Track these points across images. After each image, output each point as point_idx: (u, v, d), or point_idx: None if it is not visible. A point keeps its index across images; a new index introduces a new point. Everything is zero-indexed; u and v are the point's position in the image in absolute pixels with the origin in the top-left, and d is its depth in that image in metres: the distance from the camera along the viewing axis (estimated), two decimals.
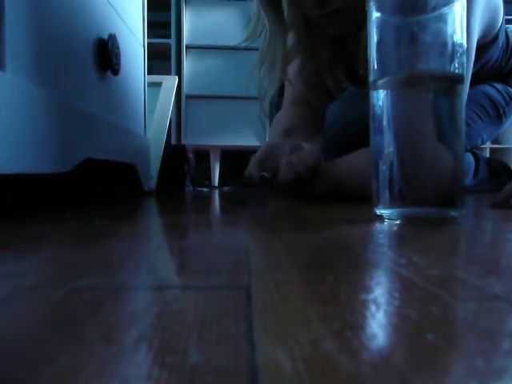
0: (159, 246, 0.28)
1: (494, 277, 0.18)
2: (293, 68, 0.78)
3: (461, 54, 0.36)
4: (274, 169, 0.58)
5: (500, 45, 0.86)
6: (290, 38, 0.73)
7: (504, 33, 0.87)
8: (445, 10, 0.35)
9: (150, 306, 0.15)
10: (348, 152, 0.65)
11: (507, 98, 0.94)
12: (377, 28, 0.37)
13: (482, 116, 0.91)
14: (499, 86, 0.94)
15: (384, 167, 0.37)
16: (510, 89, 0.95)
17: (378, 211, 0.39)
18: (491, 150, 2.60)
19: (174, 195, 0.93)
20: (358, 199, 0.52)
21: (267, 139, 0.81)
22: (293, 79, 0.79)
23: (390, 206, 0.37)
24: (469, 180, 0.98)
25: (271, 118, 0.87)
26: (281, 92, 0.84)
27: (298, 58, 0.76)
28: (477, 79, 0.83)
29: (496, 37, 0.83)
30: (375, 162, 0.38)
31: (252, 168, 0.60)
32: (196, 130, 2.08)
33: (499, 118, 0.94)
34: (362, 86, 0.73)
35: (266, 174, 0.57)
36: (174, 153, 1.16)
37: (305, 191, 0.61)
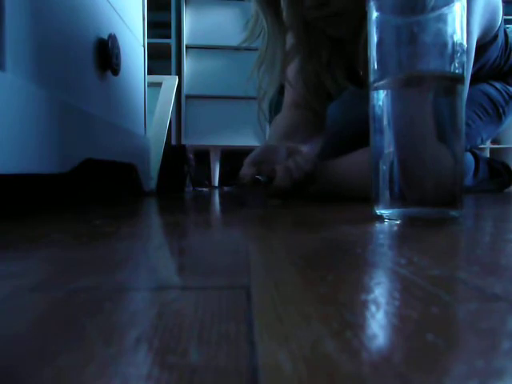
0: (159, 246, 0.28)
1: (493, 277, 0.18)
2: (292, 70, 0.78)
3: (461, 54, 0.36)
4: (270, 172, 0.57)
5: (499, 44, 0.86)
6: (289, 39, 0.73)
7: (503, 32, 0.87)
8: (445, 10, 0.35)
9: (150, 305, 0.15)
10: (348, 152, 0.65)
11: (506, 96, 0.94)
12: (377, 28, 0.37)
13: (482, 116, 0.91)
14: (498, 85, 0.94)
15: (384, 167, 0.37)
16: (509, 87, 0.95)
17: (378, 211, 0.39)
18: (491, 149, 2.60)
19: (174, 195, 0.93)
20: (357, 199, 0.53)
21: (266, 140, 0.81)
22: (292, 81, 0.79)
23: (390, 206, 0.37)
24: (469, 180, 0.98)
25: (271, 117, 0.87)
26: (281, 90, 0.84)
27: (297, 59, 0.76)
28: (476, 78, 0.83)
29: (495, 36, 0.83)
30: (375, 162, 0.38)
31: (246, 169, 0.60)
32: (196, 130, 2.08)
33: (499, 118, 0.94)
34: (362, 86, 0.73)
35: (261, 177, 0.57)
36: (174, 153, 1.16)
37: (304, 191, 0.61)
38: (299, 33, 0.71)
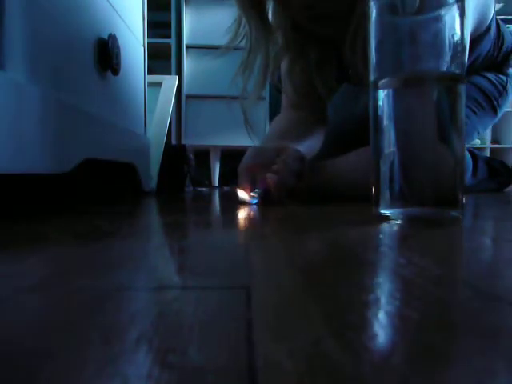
0: (159, 246, 0.28)
1: (493, 277, 0.18)
2: (283, 71, 0.78)
3: (461, 54, 0.36)
4: (264, 183, 0.57)
5: (492, 36, 0.86)
6: (278, 40, 0.72)
7: (495, 22, 0.86)
8: (445, 10, 0.35)
9: (150, 305, 0.15)
10: (344, 150, 0.65)
11: (500, 87, 0.93)
12: (377, 28, 0.37)
13: (476, 110, 0.90)
14: (491, 76, 0.93)
15: (384, 167, 0.37)
16: (502, 77, 0.93)
17: (379, 211, 0.39)
18: (491, 149, 2.60)
19: (174, 195, 0.93)
20: (357, 199, 0.52)
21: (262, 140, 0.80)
22: (283, 82, 0.79)
23: (391, 206, 0.37)
24: (467, 179, 0.98)
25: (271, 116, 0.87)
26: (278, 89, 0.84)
27: (287, 61, 0.75)
28: (469, 71, 0.83)
29: (488, 28, 0.83)
30: (375, 162, 0.38)
31: (242, 181, 0.59)
32: (196, 130, 2.08)
33: (493, 110, 0.93)
34: (356, 83, 0.73)
35: (257, 192, 0.57)
36: (174, 153, 1.16)
37: (304, 191, 0.61)
38: (287, 34, 0.71)
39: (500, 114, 0.96)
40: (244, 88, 0.71)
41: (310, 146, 0.74)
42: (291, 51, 0.73)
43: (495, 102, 0.92)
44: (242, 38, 0.69)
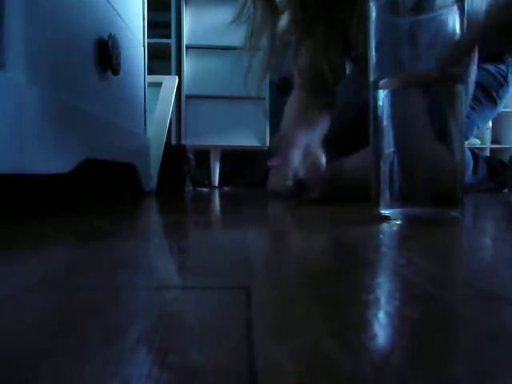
0: (159, 246, 0.28)
1: (494, 277, 0.18)
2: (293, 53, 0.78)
3: None
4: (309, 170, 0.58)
5: None
6: (284, 20, 0.72)
7: None
8: (445, 10, 0.35)
9: (150, 306, 0.15)
10: (345, 139, 0.65)
11: (500, 78, 0.92)
12: (377, 28, 0.37)
13: (475, 106, 0.90)
14: (491, 68, 0.92)
15: (384, 167, 0.37)
16: (502, 67, 0.92)
17: (379, 211, 0.39)
18: (491, 149, 2.60)
19: (174, 195, 0.93)
20: (358, 199, 0.53)
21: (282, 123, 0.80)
22: (293, 64, 0.79)
23: (391, 206, 0.37)
24: (468, 177, 0.98)
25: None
26: (280, 90, 0.84)
27: (294, 41, 0.75)
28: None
29: None
30: (375, 162, 0.38)
31: (286, 155, 0.60)
32: (196, 130, 2.08)
33: (493, 103, 0.92)
34: (361, 63, 0.73)
35: (294, 179, 0.58)
36: (174, 153, 1.15)
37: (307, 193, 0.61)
38: (295, 13, 0.71)
39: (500, 106, 0.96)
40: (249, 65, 0.71)
41: (320, 133, 0.74)
42: (298, 30, 0.73)
43: (495, 94, 0.92)
44: (246, 19, 0.69)
